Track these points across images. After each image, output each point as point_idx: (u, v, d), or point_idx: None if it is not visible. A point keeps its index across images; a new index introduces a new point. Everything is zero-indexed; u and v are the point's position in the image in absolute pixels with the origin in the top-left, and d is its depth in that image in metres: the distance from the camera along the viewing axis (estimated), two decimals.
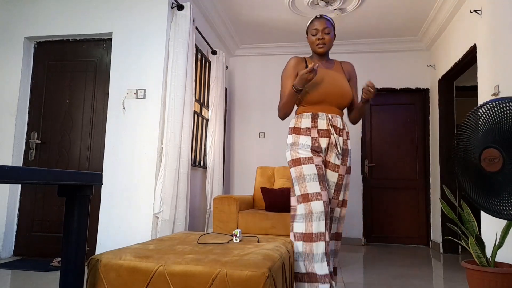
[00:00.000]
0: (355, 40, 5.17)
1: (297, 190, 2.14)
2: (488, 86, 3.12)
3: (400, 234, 4.98)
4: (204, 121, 4.45)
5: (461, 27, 3.85)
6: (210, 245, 1.69)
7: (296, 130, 2.25)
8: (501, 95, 2.88)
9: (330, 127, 2.21)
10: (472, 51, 3.55)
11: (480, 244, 2.28)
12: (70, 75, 3.67)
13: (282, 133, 5.28)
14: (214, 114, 4.35)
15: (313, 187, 2.09)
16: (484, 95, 3.20)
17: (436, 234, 4.68)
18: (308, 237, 2.05)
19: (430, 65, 4.99)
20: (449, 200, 4.38)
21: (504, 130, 1.98)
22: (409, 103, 5.15)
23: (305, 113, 2.26)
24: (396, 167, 5.09)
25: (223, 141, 4.60)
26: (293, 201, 2.20)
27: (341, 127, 2.27)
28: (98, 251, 3.25)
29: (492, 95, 3.01)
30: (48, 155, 3.61)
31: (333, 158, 2.25)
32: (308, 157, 2.15)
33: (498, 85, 2.92)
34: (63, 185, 1.33)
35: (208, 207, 4.17)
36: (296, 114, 2.32)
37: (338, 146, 2.23)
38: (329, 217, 2.22)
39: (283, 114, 2.29)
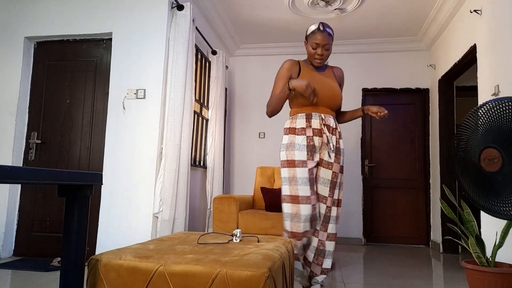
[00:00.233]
0: (355, 40, 5.17)
1: (287, 190, 2.24)
2: (488, 86, 3.12)
3: (400, 234, 4.98)
4: (204, 121, 4.45)
5: (461, 27, 3.85)
6: (210, 245, 1.69)
7: (292, 130, 2.34)
8: (501, 95, 2.88)
9: (323, 126, 2.31)
10: (472, 51, 3.55)
11: (480, 244, 2.28)
12: (70, 75, 3.67)
13: (282, 133, 5.28)
14: (214, 114, 4.35)
15: (304, 190, 2.20)
16: (484, 95, 3.20)
17: (436, 234, 4.68)
18: (295, 235, 2.21)
19: (430, 65, 4.99)
20: (449, 200, 4.38)
21: (503, 130, 1.98)
22: (409, 103, 5.15)
23: (299, 114, 2.35)
24: (396, 167, 5.09)
25: (223, 141, 4.60)
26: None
27: (334, 127, 2.36)
28: (98, 251, 3.25)
29: (492, 95, 3.01)
30: (48, 155, 3.61)
31: (326, 156, 2.32)
32: (302, 161, 2.25)
33: (498, 85, 2.92)
34: (63, 185, 1.33)
35: (208, 207, 4.17)
36: (290, 116, 2.41)
37: (331, 144, 2.31)
38: (327, 216, 2.32)
39: (271, 110, 2.39)
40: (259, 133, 5.35)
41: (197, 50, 4.11)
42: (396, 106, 5.18)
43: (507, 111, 1.97)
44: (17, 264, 3.13)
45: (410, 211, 4.99)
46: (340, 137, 2.39)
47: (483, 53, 3.25)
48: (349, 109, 5.15)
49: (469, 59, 3.76)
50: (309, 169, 2.24)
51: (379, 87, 5.16)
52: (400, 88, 5.12)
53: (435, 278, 3.09)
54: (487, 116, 2.09)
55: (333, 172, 2.32)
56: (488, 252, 2.89)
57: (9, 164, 3.54)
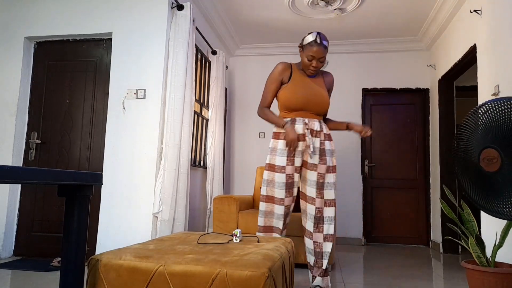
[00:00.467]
0: (355, 40, 5.17)
1: (264, 191, 2.46)
2: (488, 86, 3.12)
3: (400, 234, 4.98)
4: (204, 121, 4.45)
5: (461, 27, 3.85)
6: (210, 245, 1.69)
7: (277, 135, 2.48)
8: (501, 95, 2.88)
9: (305, 130, 2.42)
10: (472, 51, 3.55)
11: (480, 244, 2.28)
12: (70, 75, 3.67)
13: None
14: (214, 114, 4.35)
15: (279, 193, 2.41)
16: (484, 95, 3.20)
17: (436, 234, 4.68)
18: (268, 229, 2.45)
19: (430, 65, 4.99)
20: (449, 200, 4.38)
21: (502, 130, 1.99)
22: (409, 103, 5.15)
23: (285, 119, 2.47)
24: (396, 167, 5.09)
25: (223, 141, 4.60)
26: None
27: (318, 129, 2.45)
28: (98, 251, 3.26)
29: (492, 95, 3.01)
30: (48, 155, 3.61)
31: (309, 158, 2.44)
32: (281, 166, 2.42)
33: (498, 85, 2.92)
34: (63, 185, 1.33)
35: (208, 207, 4.17)
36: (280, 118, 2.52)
37: (311, 147, 2.41)
38: (319, 217, 2.44)
39: (261, 118, 2.58)
40: (259, 133, 5.35)
41: (197, 50, 4.11)
42: (396, 106, 5.18)
43: (506, 111, 1.97)
44: (17, 264, 3.13)
45: (410, 211, 4.99)
46: (326, 139, 2.48)
47: (483, 53, 3.25)
48: (350, 109, 5.16)
49: (469, 59, 3.76)
50: (287, 174, 2.42)
51: (379, 87, 5.16)
52: (400, 88, 5.12)
53: (435, 278, 3.09)
54: (486, 116, 2.09)
55: (318, 173, 2.43)
56: (488, 252, 2.89)
57: (9, 164, 3.54)
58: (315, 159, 2.43)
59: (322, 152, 2.45)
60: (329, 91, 2.62)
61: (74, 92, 3.64)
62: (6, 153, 3.57)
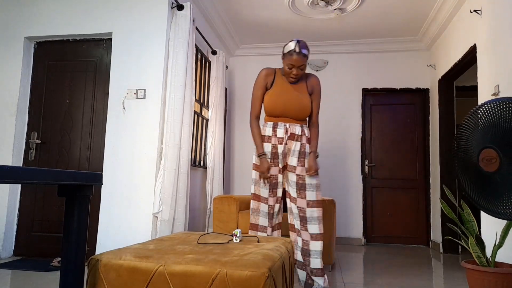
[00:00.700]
0: (355, 40, 5.17)
1: (253, 189, 2.61)
2: (488, 86, 3.12)
3: (400, 234, 4.98)
4: (204, 121, 4.45)
5: (461, 27, 3.85)
6: (210, 245, 1.69)
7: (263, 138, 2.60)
8: (501, 95, 2.88)
9: (285, 134, 2.56)
10: (472, 51, 3.55)
11: (480, 244, 2.28)
12: (70, 75, 3.67)
13: None
14: (214, 114, 4.35)
15: (264, 192, 2.57)
16: (484, 95, 3.20)
17: (436, 234, 4.68)
18: (254, 227, 2.57)
19: (430, 65, 4.99)
20: (449, 200, 4.38)
21: (501, 130, 1.99)
22: (409, 103, 5.15)
23: (268, 123, 2.61)
24: (396, 167, 5.08)
25: (223, 141, 4.60)
26: None
27: (299, 134, 2.57)
28: (98, 251, 3.25)
29: (492, 95, 3.01)
30: (48, 155, 3.61)
31: (290, 161, 2.58)
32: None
33: (498, 85, 2.92)
34: (63, 185, 1.32)
35: (208, 207, 4.17)
36: (264, 122, 2.66)
37: (292, 150, 2.56)
38: (301, 217, 2.51)
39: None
40: None
41: (197, 50, 4.10)
42: (396, 106, 5.18)
43: (505, 111, 1.97)
44: (17, 264, 3.13)
45: (410, 211, 4.99)
46: (307, 142, 2.60)
47: (483, 53, 3.25)
48: (350, 109, 5.16)
49: (469, 59, 3.76)
50: (271, 175, 2.56)
51: (379, 87, 5.16)
52: (400, 88, 5.12)
53: (435, 278, 3.09)
54: (485, 117, 2.09)
55: (296, 175, 2.55)
56: (488, 252, 2.89)
57: (9, 164, 3.54)
58: (293, 161, 2.56)
59: (302, 155, 2.56)
60: (314, 93, 2.64)
61: (74, 92, 3.64)
62: (6, 153, 3.57)
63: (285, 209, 3.58)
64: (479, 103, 3.26)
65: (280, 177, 2.59)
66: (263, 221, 2.56)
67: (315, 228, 2.47)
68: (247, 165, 5.34)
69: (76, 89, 3.64)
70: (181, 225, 3.28)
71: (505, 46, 2.83)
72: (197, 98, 4.17)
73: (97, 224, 3.34)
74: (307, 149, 2.58)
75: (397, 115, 5.16)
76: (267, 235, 2.56)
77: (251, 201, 2.62)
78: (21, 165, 3.53)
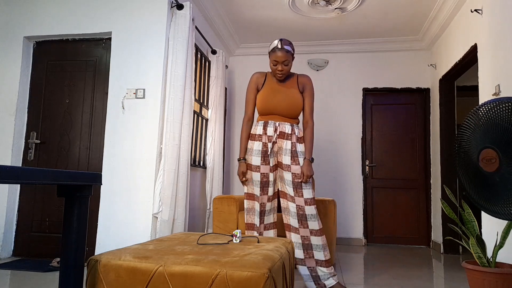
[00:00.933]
0: (355, 40, 5.16)
1: (246, 189, 2.65)
2: (489, 85, 3.12)
3: (400, 235, 4.98)
4: (204, 121, 4.44)
5: (461, 27, 3.84)
6: (210, 246, 1.69)
7: (252, 137, 2.66)
8: (502, 95, 2.87)
9: (274, 133, 2.60)
10: (473, 50, 3.54)
11: (481, 244, 2.28)
12: (69, 75, 3.66)
13: None
14: (214, 114, 4.34)
15: (256, 191, 2.60)
16: (485, 95, 3.19)
17: (436, 234, 4.67)
18: (250, 226, 2.61)
19: (430, 64, 4.98)
20: (450, 200, 4.38)
21: (500, 130, 1.98)
22: (410, 103, 5.14)
23: (259, 122, 2.66)
24: (396, 167, 5.08)
25: (223, 141, 4.59)
26: None
27: (289, 132, 2.60)
28: (98, 251, 3.25)
29: (493, 94, 3.00)
30: (47, 155, 3.60)
31: (283, 159, 2.60)
32: (256, 166, 2.60)
33: (499, 84, 2.91)
34: (62, 185, 1.32)
35: (208, 207, 4.16)
36: (256, 122, 2.72)
37: (283, 149, 2.58)
38: (301, 214, 2.53)
39: None
40: None
41: (197, 49, 4.10)
42: (396, 106, 5.17)
43: (504, 111, 1.97)
44: (16, 265, 3.13)
45: (410, 211, 4.99)
46: (298, 141, 2.61)
47: (484, 53, 3.24)
48: (350, 109, 5.16)
49: (470, 59, 3.75)
50: (261, 173, 2.59)
51: (380, 87, 5.16)
52: (401, 87, 5.11)
53: (435, 279, 3.08)
54: (486, 117, 2.08)
55: (292, 173, 2.56)
56: (489, 253, 2.88)
57: (8, 164, 3.53)
58: (287, 160, 2.58)
59: (294, 154, 2.58)
60: (305, 91, 2.67)
61: (73, 92, 3.63)
62: (5, 153, 3.56)
63: (278, 209, 3.57)
64: (480, 103, 3.25)
65: (271, 175, 2.62)
66: (257, 220, 2.60)
67: (315, 224, 2.52)
68: None
69: (76, 89, 3.63)
70: (180, 225, 3.27)
71: (506, 45, 2.83)
72: (196, 97, 4.16)
73: (97, 225, 3.33)
74: (298, 148, 2.60)
75: (397, 115, 5.15)
76: (258, 233, 2.59)
77: (245, 200, 2.65)
78: (20, 165, 3.52)
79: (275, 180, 2.66)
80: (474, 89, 5.31)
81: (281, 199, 2.65)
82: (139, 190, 3.26)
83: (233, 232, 1.86)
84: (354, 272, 3.26)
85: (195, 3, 4.00)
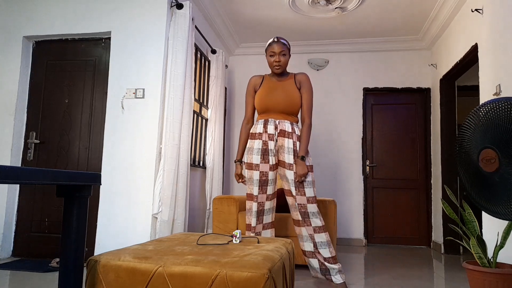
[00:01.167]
0: (355, 39, 5.16)
1: (247, 189, 2.66)
2: (489, 85, 3.11)
3: (401, 235, 4.97)
4: (204, 120, 4.43)
5: (462, 27, 3.83)
6: (210, 246, 1.68)
7: (252, 136, 2.68)
8: (502, 95, 2.87)
9: (275, 131, 2.61)
10: (474, 50, 3.53)
11: (482, 244, 2.27)
12: (69, 75, 3.66)
13: None
14: (213, 114, 4.34)
15: (254, 190, 2.61)
16: (485, 95, 3.19)
17: (437, 234, 4.67)
18: (247, 227, 2.63)
19: (431, 64, 4.97)
20: (451, 200, 4.37)
21: (500, 130, 1.97)
22: (410, 103, 5.14)
23: (260, 120, 2.68)
24: (397, 167, 5.07)
25: (222, 141, 4.58)
26: None
27: (290, 131, 2.61)
28: (97, 251, 3.24)
29: (493, 94, 3.00)
30: (46, 155, 3.59)
31: (285, 158, 2.60)
32: (255, 164, 2.61)
33: (499, 84, 2.91)
34: (62, 185, 1.31)
35: (207, 208, 4.16)
36: (256, 121, 2.73)
37: (285, 147, 2.59)
38: (304, 212, 2.57)
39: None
40: None
41: (197, 49, 4.09)
42: (397, 106, 5.17)
43: (504, 111, 1.96)
44: (16, 265, 3.12)
45: (411, 212, 4.98)
46: (298, 140, 2.62)
47: (484, 53, 3.24)
48: (351, 108, 5.15)
49: (471, 59, 3.74)
50: (260, 172, 2.60)
51: (380, 87, 5.15)
52: (401, 87, 5.11)
53: (436, 279, 3.08)
54: (486, 117, 2.07)
55: (294, 172, 2.57)
56: (490, 253, 2.88)
57: (8, 164, 3.52)
58: (290, 159, 2.58)
59: (296, 153, 2.60)
60: (303, 87, 2.68)
61: (73, 91, 3.63)
62: (5, 153, 3.55)
63: (280, 209, 3.57)
64: (481, 102, 3.25)
65: (271, 174, 2.62)
66: (253, 220, 2.61)
67: (317, 221, 2.55)
68: None
69: (75, 89, 3.62)
70: (180, 225, 3.26)
71: (506, 45, 2.82)
72: (196, 97, 4.15)
73: (96, 225, 3.33)
74: (298, 148, 2.62)
75: (398, 114, 5.15)
76: (256, 232, 2.62)
77: (246, 201, 2.66)
78: (20, 165, 3.51)
79: (275, 179, 2.67)
80: (475, 89, 5.32)
81: (286, 196, 2.67)
82: (138, 190, 3.26)
83: (233, 233, 1.85)
84: (354, 272, 3.25)
85: (195, 3, 4.00)
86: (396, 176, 5.06)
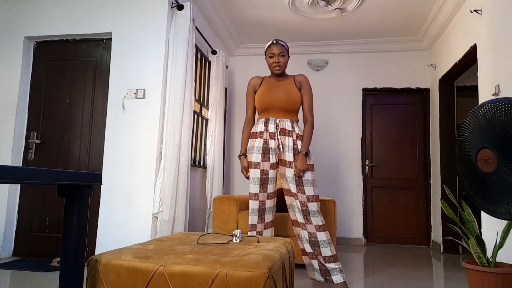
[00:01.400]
0: (355, 40, 5.17)
1: (249, 188, 2.68)
2: (488, 86, 3.12)
3: (400, 234, 4.98)
4: (204, 121, 4.44)
5: (461, 27, 3.84)
6: (210, 246, 1.69)
7: (253, 135, 2.70)
8: (501, 95, 2.88)
9: (276, 129, 2.64)
10: (473, 50, 3.54)
11: (481, 244, 2.28)
12: (69, 75, 3.67)
13: None
14: (214, 114, 4.35)
15: (254, 188, 2.63)
16: (484, 95, 3.20)
17: (436, 234, 4.67)
18: (250, 227, 2.65)
19: (430, 64, 4.98)
20: (450, 200, 4.38)
21: (497, 130, 1.98)
22: (410, 103, 5.14)
23: (260, 119, 2.71)
24: (396, 167, 5.08)
25: (223, 141, 4.59)
26: None
27: (290, 129, 2.64)
28: (98, 251, 3.25)
29: (492, 94, 3.00)
30: (47, 155, 3.60)
31: (286, 156, 2.62)
32: (256, 163, 2.63)
33: (498, 84, 2.92)
34: (63, 185, 1.32)
35: (208, 207, 4.16)
36: (257, 121, 2.76)
37: (287, 146, 2.61)
38: (304, 210, 2.57)
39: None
40: None
41: (197, 50, 4.10)
42: (396, 106, 5.18)
43: (502, 112, 1.97)
44: (16, 265, 3.13)
45: (410, 211, 4.99)
46: (298, 139, 2.64)
47: (483, 53, 3.25)
48: (350, 109, 5.16)
49: (470, 59, 3.75)
50: (261, 170, 2.61)
51: (380, 87, 5.16)
52: (401, 88, 5.11)
53: (435, 278, 3.08)
54: (485, 117, 2.08)
55: (294, 169, 2.58)
56: (489, 252, 2.89)
57: (9, 164, 3.53)
58: (289, 157, 2.60)
59: (296, 151, 2.62)
60: (303, 88, 2.73)
61: (73, 92, 3.64)
62: (6, 153, 3.56)
63: (280, 209, 3.58)
64: (480, 103, 3.25)
65: (272, 172, 2.64)
66: (253, 219, 2.63)
67: (317, 220, 2.56)
68: None
69: (76, 89, 3.63)
70: (181, 225, 3.27)
71: (505, 46, 2.83)
72: (197, 98, 4.16)
73: (97, 224, 3.33)
74: (299, 146, 2.63)
75: (397, 115, 5.16)
76: (258, 231, 2.63)
77: (249, 200, 2.67)
78: (21, 165, 3.52)
79: (275, 178, 2.68)
80: (474, 89, 5.33)
81: (285, 196, 2.68)
82: (139, 190, 3.27)
83: (233, 232, 1.86)
84: (354, 272, 3.26)
85: (195, 4, 4.00)
86: (396, 176, 5.07)
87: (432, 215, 4.85)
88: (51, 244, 3.49)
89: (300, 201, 2.57)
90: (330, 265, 2.55)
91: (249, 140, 2.72)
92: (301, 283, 2.78)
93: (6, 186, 3.54)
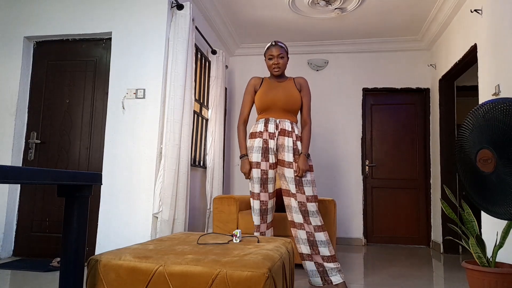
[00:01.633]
0: (355, 40, 5.16)
1: (250, 187, 2.69)
2: (488, 85, 3.12)
3: (400, 234, 4.98)
4: (204, 121, 4.44)
5: (461, 27, 3.84)
6: (210, 246, 1.69)
7: (252, 135, 2.70)
8: (501, 95, 2.88)
9: (276, 130, 2.64)
10: (473, 50, 3.54)
11: (481, 244, 2.28)
12: (69, 75, 3.67)
13: None
14: (214, 114, 4.34)
15: (256, 188, 2.64)
16: (484, 95, 3.20)
17: (436, 234, 4.68)
18: (255, 227, 2.65)
19: (430, 64, 4.98)
20: (450, 200, 4.38)
21: (496, 130, 1.98)
22: (410, 103, 5.14)
23: (260, 119, 2.71)
24: (396, 167, 5.08)
25: (223, 141, 4.59)
26: None
27: (290, 130, 2.65)
28: (98, 251, 3.25)
29: (492, 94, 3.00)
30: (47, 155, 3.60)
31: (285, 156, 2.63)
32: (256, 162, 2.63)
33: (498, 84, 2.92)
34: (63, 185, 1.32)
35: (208, 207, 4.16)
36: (256, 121, 2.75)
37: (286, 146, 2.62)
38: (303, 211, 2.57)
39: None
40: None
41: (197, 49, 4.10)
42: (396, 106, 5.18)
43: (501, 112, 1.97)
44: (16, 265, 3.13)
45: (410, 211, 4.99)
46: (298, 140, 2.66)
47: (483, 53, 3.24)
48: (350, 109, 5.16)
49: (470, 59, 3.75)
50: (261, 170, 2.62)
51: (380, 87, 5.16)
52: (401, 88, 5.11)
53: (435, 278, 3.08)
54: (485, 117, 2.08)
55: (294, 170, 2.60)
56: (489, 252, 2.89)
57: (9, 164, 3.53)
58: (289, 157, 2.61)
59: (296, 151, 2.63)
60: (302, 90, 2.75)
61: (73, 92, 3.63)
62: (6, 153, 3.56)
63: (280, 209, 3.58)
64: (480, 103, 3.25)
65: (271, 172, 2.65)
66: (257, 219, 2.64)
67: (316, 220, 2.56)
68: None
69: (76, 89, 3.63)
70: (181, 225, 3.27)
71: (505, 45, 2.83)
72: (197, 97, 4.16)
73: (97, 224, 3.33)
74: (299, 146, 2.65)
75: (397, 115, 5.16)
76: (260, 232, 2.64)
77: (252, 200, 2.67)
78: (21, 165, 3.52)
79: (274, 178, 2.69)
80: (474, 89, 5.32)
81: (284, 197, 2.68)
82: (139, 190, 3.27)
83: (233, 232, 1.86)
84: (354, 272, 3.26)
85: (195, 3, 4.00)
86: (396, 176, 5.07)
87: (432, 215, 4.85)
88: (51, 244, 3.49)
89: (299, 202, 2.58)
90: (329, 265, 2.54)
91: (249, 140, 2.72)
92: (301, 283, 2.78)
93: (6, 186, 3.54)
